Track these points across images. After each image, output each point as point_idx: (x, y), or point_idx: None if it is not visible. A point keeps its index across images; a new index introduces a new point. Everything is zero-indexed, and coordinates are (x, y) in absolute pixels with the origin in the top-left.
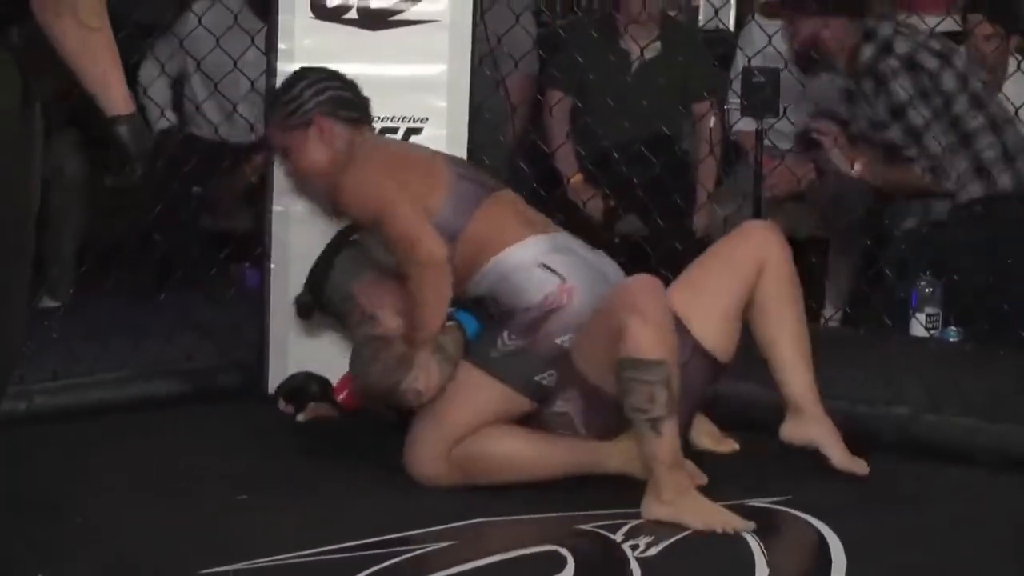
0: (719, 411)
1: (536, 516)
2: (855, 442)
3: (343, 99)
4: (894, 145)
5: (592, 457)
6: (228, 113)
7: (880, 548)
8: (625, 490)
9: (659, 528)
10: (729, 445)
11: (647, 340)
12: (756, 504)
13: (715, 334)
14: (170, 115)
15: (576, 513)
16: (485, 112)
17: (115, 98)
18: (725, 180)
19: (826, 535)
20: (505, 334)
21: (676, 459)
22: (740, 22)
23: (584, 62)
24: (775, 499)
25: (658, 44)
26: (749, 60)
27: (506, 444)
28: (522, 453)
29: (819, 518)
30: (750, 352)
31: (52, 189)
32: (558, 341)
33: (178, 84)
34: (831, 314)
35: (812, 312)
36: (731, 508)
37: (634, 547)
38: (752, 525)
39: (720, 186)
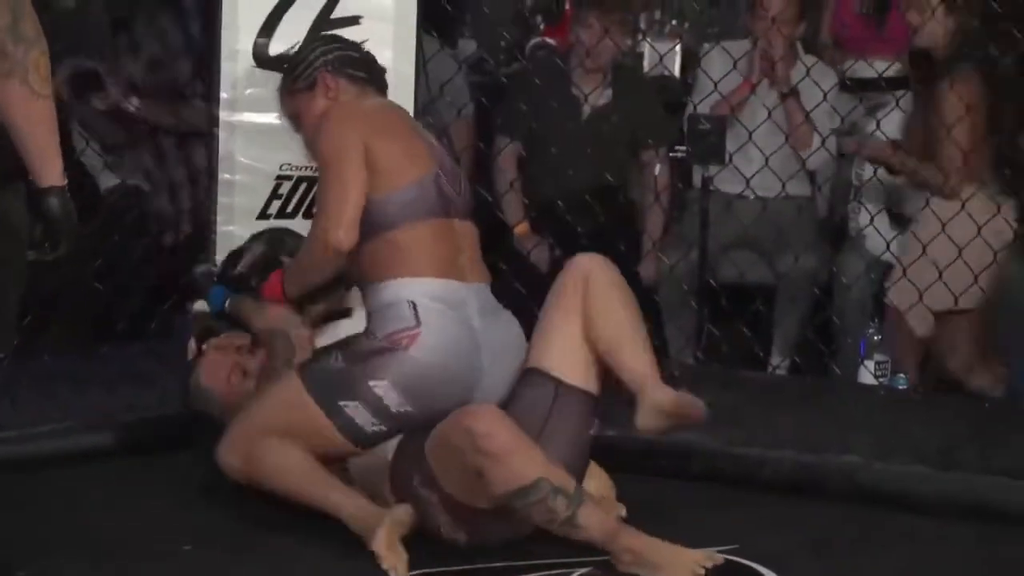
0: (658, 462)
1: (484, 566)
2: (804, 491)
3: (351, 58)
4: None
5: (344, 504)
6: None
7: None
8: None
9: None
10: (618, 509)
11: (512, 473)
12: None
13: (570, 365)
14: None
15: (525, 563)
16: None
17: (51, 169)
18: (673, 227)
19: None
20: (337, 353)
21: (609, 530)
22: (685, 68)
23: (533, 109)
24: (723, 548)
25: (608, 91)
26: (695, 107)
27: (281, 458)
28: (292, 474)
29: (767, 566)
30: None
31: None
32: (370, 383)
33: None
34: (779, 362)
35: (759, 360)
36: None
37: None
38: (717, 557)
39: (667, 234)
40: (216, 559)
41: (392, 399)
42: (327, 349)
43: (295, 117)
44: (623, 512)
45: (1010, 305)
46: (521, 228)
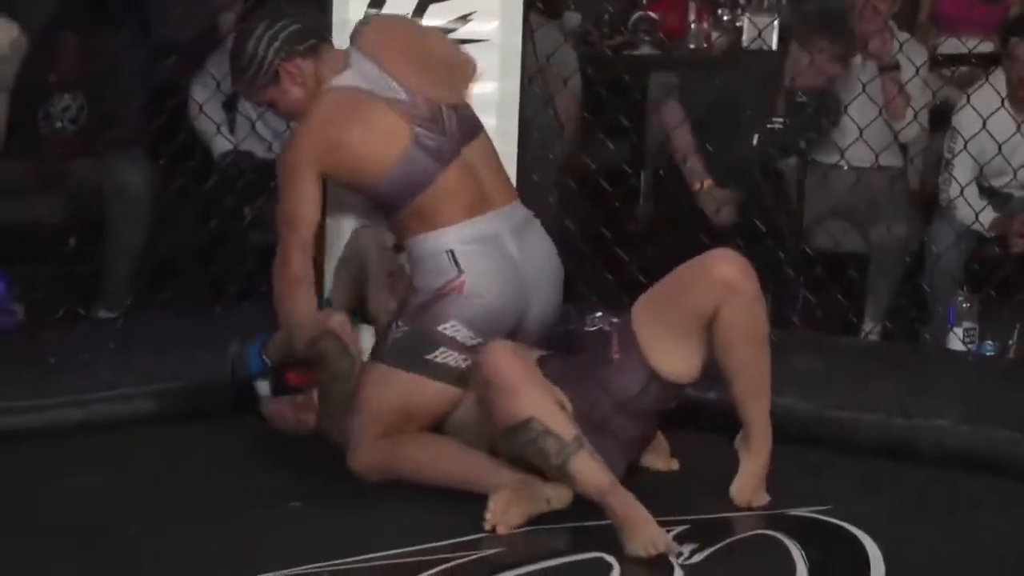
0: None
1: (582, 524)
2: (896, 454)
3: (294, 33)
4: None
5: (486, 478)
6: (280, 132)
7: (918, 557)
8: (669, 498)
9: (703, 535)
10: (671, 464)
11: (508, 409)
12: (797, 513)
13: (673, 361)
14: (225, 131)
15: None
16: (534, 130)
17: None
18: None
19: (866, 544)
20: (396, 323)
21: (600, 487)
22: (783, 42)
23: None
24: (815, 508)
25: None
26: (792, 80)
27: (415, 451)
28: (425, 463)
29: (859, 527)
30: (784, 364)
31: (112, 204)
32: (440, 327)
33: (231, 100)
34: (871, 328)
35: (852, 326)
36: (771, 517)
37: (679, 554)
38: (677, 549)
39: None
40: (321, 514)
41: (464, 335)
42: (386, 332)
43: (271, 104)
44: (675, 466)
45: None
46: (709, 184)
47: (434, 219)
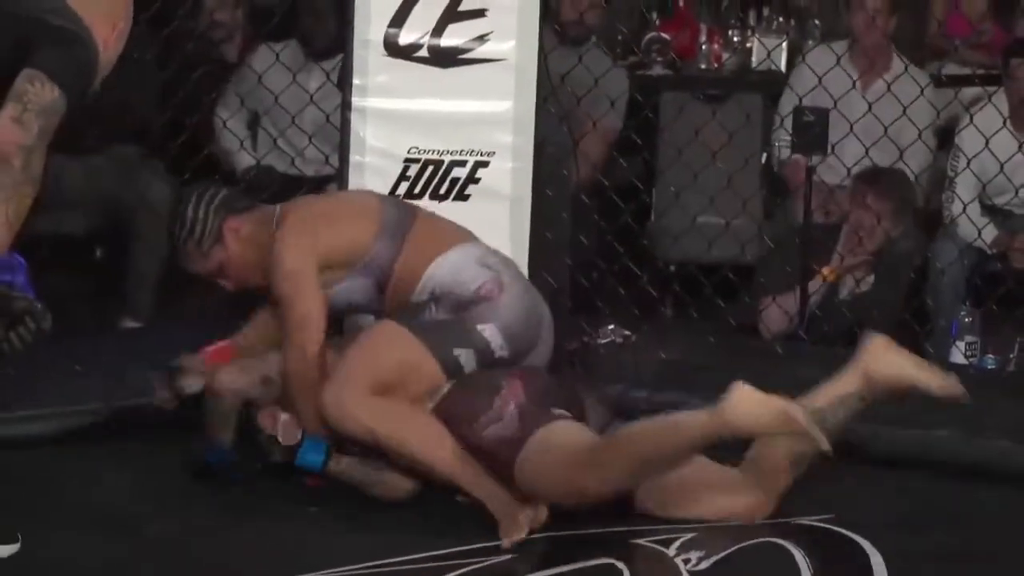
0: None
1: (592, 531)
2: (899, 464)
3: (229, 196)
4: None
5: (475, 483)
6: (300, 149)
7: (920, 565)
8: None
9: (710, 543)
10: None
11: None
12: (801, 521)
13: None
14: (248, 146)
15: (630, 528)
16: (548, 147)
17: None
18: (774, 212)
19: (869, 552)
20: (433, 308)
21: None
22: (791, 63)
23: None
24: (820, 517)
25: (872, 277)
26: (800, 100)
27: (414, 424)
28: (419, 439)
29: (862, 536)
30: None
31: (136, 214)
32: (479, 327)
33: (255, 117)
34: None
35: (857, 339)
36: (776, 525)
37: (686, 561)
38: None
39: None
40: (335, 520)
41: (497, 343)
42: (416, 306)
43: (218, 272)
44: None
45: None
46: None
47: (438, 246)
